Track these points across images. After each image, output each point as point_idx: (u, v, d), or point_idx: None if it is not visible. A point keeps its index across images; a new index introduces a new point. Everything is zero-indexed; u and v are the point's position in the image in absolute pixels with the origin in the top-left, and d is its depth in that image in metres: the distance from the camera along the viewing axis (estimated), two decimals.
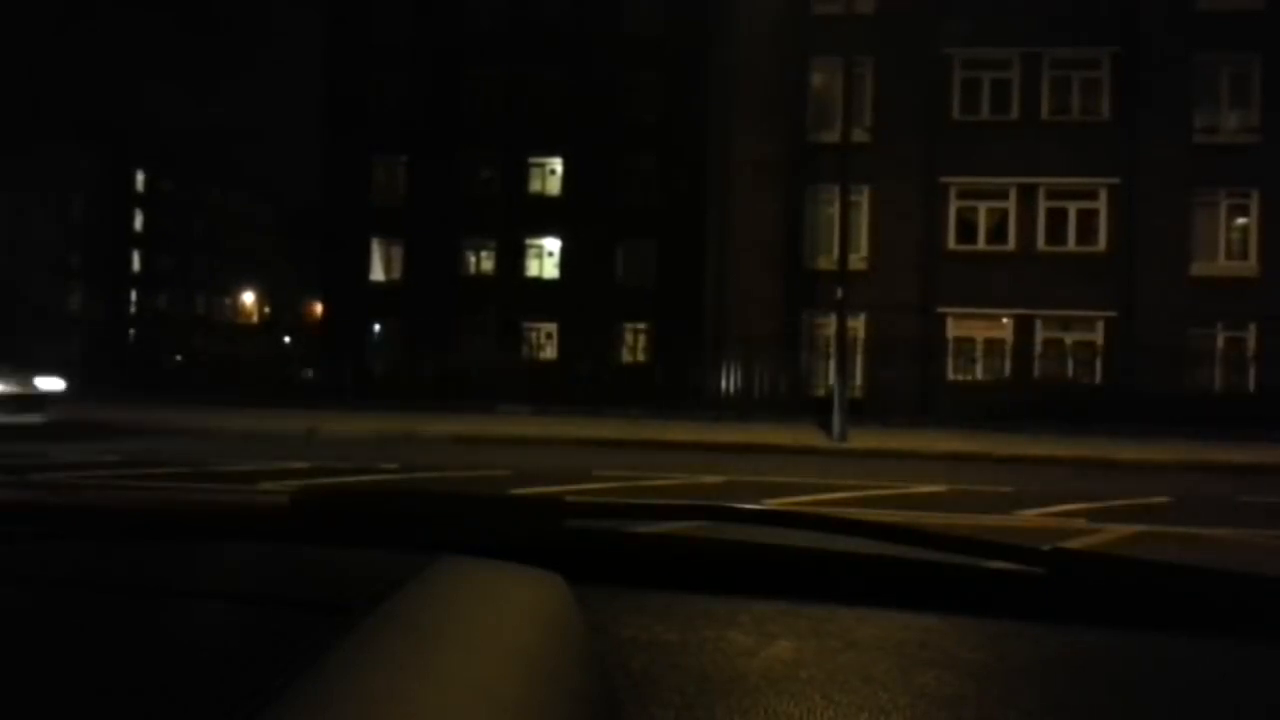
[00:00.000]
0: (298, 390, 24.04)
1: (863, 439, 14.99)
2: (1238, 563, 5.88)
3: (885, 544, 0.97)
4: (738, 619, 0.82)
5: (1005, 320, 23.50)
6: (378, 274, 33.48)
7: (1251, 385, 22.41)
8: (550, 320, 32.40)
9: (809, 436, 15.74)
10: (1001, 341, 23.59)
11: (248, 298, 70.09)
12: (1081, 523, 8.05)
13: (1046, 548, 0.94)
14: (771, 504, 8.53)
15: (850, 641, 0.79)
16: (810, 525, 1.00)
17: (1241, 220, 23.05)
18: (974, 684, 0.72)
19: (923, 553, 0.95)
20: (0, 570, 0.76)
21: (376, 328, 33.01)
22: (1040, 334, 23.49)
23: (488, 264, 33.30)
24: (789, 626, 0.81)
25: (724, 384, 23.03)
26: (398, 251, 33.23)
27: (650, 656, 0.73)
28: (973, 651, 0.79)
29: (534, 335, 32.54)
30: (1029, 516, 8.39)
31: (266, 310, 70.34)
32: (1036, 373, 23.23)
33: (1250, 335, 22.66)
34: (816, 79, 23.60)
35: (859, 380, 22.12)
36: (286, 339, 58.65)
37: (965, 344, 23.66)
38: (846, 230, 16.43)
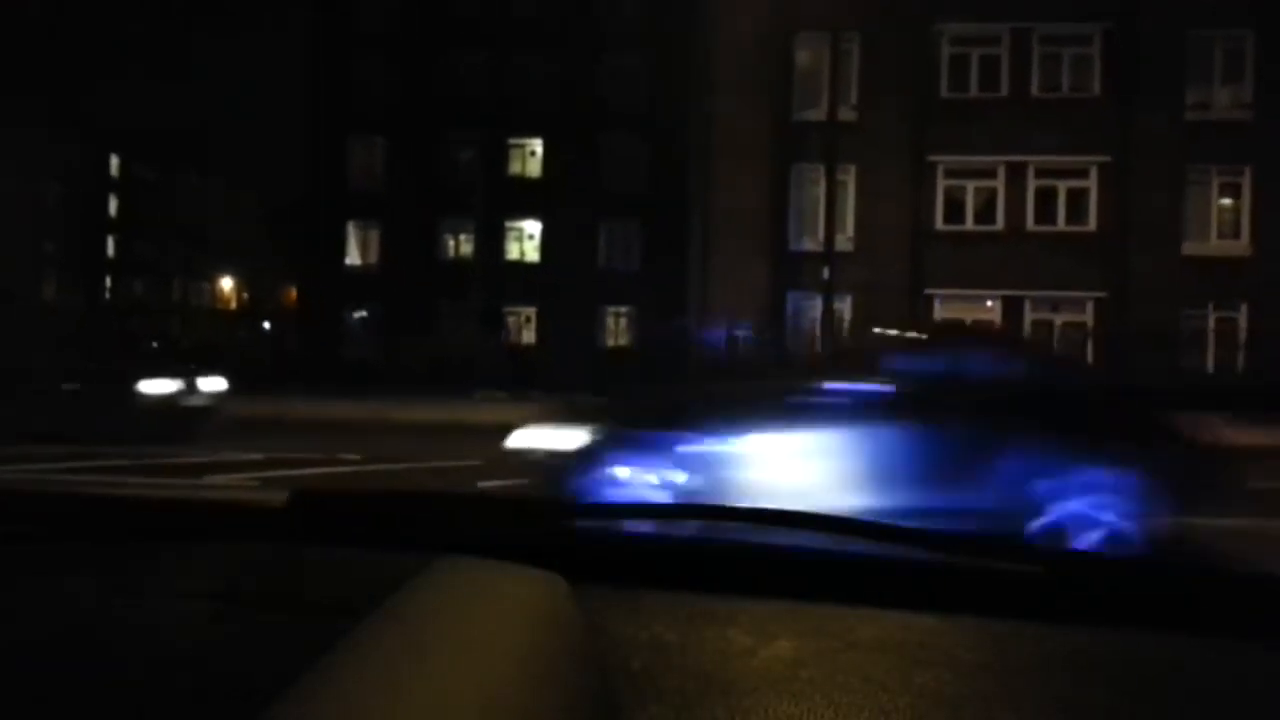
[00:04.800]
0: (269, 376, 23.41)
1: None
2: (1257, 555, 5.44)
3: (885, 544, 0.96)
4: (738, 619, 0.82)
5: (991, 303, 23.05)
6: (354, 258, 32.81)
7: (1242, 367, 22.07)
8: (530, 304, 31.83)
9: None
10: (990, 323, 23.14)
11: (226, 284, 69.18)
12: None
13: (1046, 548, 0.86)
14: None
15: (850, 641, 0.78)
16: (810, 525, 0.99)
17: (1229, 200, 22.64)
18: (974, 684, 0.72)
19: (923, 553, 0.94)
20: None
21: (354, 314, 32.40)
22: (1029, 315, 23.06)
23: (467, 247, 32.67)
24: (789, 626, 0.80)
25: (706, 368, 22.50)
26: (375, 235, 32.55)
27: (650, 656, 0.73)
28: (973, 651, 0.78)
29: (514, 319, 31.98)
30: None
31: (245, 296, 69.46)
32: None
33: (1242, 316, 22.29)
34: (801, 56, 23.06)
35: None
36: (266, 325, 57.94)
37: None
38: (833, 210, 15.94)
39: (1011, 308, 22.96)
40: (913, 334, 7.01)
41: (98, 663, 0.56)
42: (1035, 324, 22.97)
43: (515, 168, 32.51)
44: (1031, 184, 22.83)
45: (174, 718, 0.49)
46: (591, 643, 0.71)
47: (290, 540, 0.93)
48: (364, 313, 32.33)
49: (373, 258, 32.62)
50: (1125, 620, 0.87)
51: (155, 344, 49.95)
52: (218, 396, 12.37)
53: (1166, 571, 0.95)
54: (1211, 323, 22.39)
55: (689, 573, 0.93)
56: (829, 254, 15.51)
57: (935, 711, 0.67)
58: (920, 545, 0.94)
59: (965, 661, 0.76)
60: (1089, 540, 5.33)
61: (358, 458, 9.68)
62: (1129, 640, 0.84)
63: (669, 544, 1.01)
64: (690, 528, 1.11)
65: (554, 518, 1.02)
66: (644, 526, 1.19)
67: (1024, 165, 22.68)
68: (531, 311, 31.93)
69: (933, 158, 22.80)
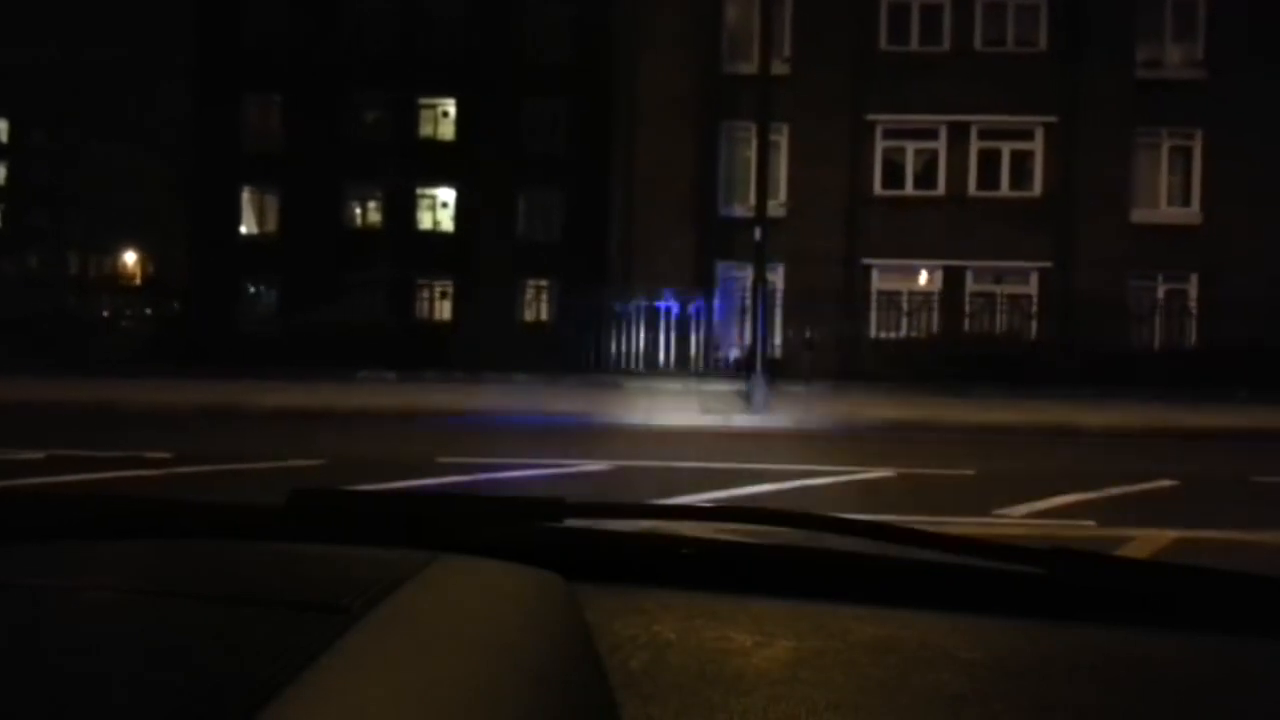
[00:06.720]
0: (138, 356, 21.08)
1: (786, 408, 12.85)
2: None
3: (885, 544, 0.95)
4: (737, 618, 0.81)
5: (925, 273, 21.58)
6: (251, 226, 30.25)
7: (1192, 340, 20.97)
8: (445, 277, 29.69)
9: (726, 405, 13.55)
10: (930, 295, 21.70)
11: (129, 257, 65.29)
12: (1090, 525, 5.95)
13: (1046, 547, 0.91)
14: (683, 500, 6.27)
15: (850, 642, 0.78)
16: (810, 525, 0.99)
17: (1180, 165, 21.42)
18: (974, 684, 0.71)
19: (923, 553, 0.94)
20: None
21: (252, 286, 29.91)
22: (971, 286, 21.65)
23: (375, 216, 30.40)
24: (789, 626, 0.80)
25: (628, 344, 20.68)
26: (273, 202, 29.99)
27: (650, 656, 0.72)
28: (973, 651, 0.77)
29: (427, 293, 29.81)
30: (1018, 518, 6.22)
31: (150, 270, 65.67)
32: (966, 328, 21.44)
33: (1192, 286, 21.16)
34: (731, 6, 21.29)
35: (777, 339, 20.07)
36: (176, 303, 54.63)
37: (891, 297, 21.71)
38: (765, 173, 14.19)
39: (952, 278, 21.54)
40: None
41: (96, 662, 0.55)
42: (977, 296, 21.58)
43: (427, 130, 30.23)
44: (975, 146, 21.38)
45: (173, 718, 0.47)
46: (591, 643, 0.71)
47: (289, 539, 0.91)
48: (261, 286, 29.89)
49: (271, 226, 30.09)
50: (1125, 620, 0.86)
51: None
52: None
53: (1166, 571, 0.93)
54: (1161, 293, 21.23)
55: (688, 572, 0.92)
56: (761, 219, 13.78)
57: (935, 711, 0.67)
58: (920, 545, 0.94)
59: (965, 661, 0.75)
60: None
61: (168, 456, 7.66)
62: (1129, 640, 0.83)
63: (669, 544, 0.99)
64: (690, 527, 1.08)
65: (553, 517, 1.00)
66: (643, 526, 1.14)
67: (966, 125, 21.20)
68: (446, 285, 29.80)
69: (871, 116, 21.20)
